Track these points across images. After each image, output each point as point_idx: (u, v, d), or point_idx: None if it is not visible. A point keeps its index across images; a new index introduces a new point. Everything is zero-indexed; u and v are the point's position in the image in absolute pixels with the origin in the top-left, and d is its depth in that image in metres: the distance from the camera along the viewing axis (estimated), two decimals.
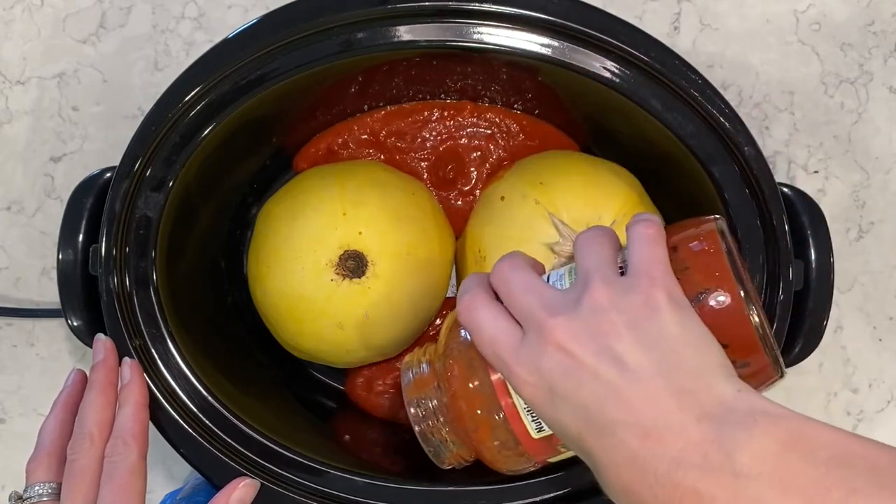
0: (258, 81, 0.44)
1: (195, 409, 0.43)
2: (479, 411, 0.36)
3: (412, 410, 0.38)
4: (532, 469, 0.38)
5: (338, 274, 0.46)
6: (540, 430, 0.36)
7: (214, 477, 0.42)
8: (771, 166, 0.44)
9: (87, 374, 0.43)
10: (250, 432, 0.43)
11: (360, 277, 0.46)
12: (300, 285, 0.46)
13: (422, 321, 0.50)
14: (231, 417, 0.43)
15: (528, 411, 0.35)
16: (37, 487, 0.40)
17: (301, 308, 0.47)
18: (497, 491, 0.43)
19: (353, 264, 0.46)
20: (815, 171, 0.57)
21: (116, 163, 0.44)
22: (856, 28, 0.57)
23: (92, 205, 0.45)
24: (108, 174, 0.45)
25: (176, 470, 0.56)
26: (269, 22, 0.44)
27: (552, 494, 0.42)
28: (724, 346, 0.33)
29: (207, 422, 0.43)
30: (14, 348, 0.57)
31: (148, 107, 0.44)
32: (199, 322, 0.47)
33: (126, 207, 0.43)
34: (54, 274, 0.45)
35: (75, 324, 0.44)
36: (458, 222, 0.53)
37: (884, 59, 0.57)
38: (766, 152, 0.55)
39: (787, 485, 0.28)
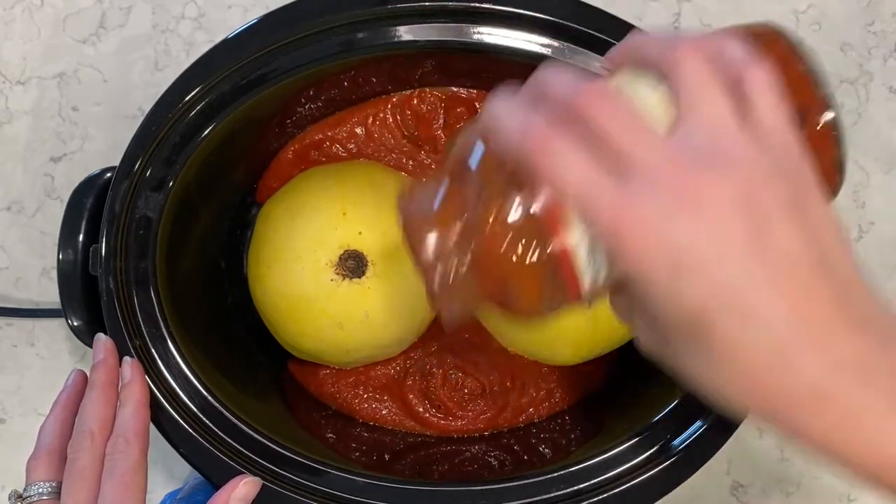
0: (258, 81, 0.44)
1: (195, 409, 0.43)
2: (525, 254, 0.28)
3: (428, 243, 0.30)
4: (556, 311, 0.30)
5: (338, 274, 0.46)
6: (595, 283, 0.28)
7: (214, 477, 0.42)
8: None
9: (88, 374, 0.43)
10: (250, 432, 0.43)
11: (360, 277, 0.46)
12: (300, 285, 0.46)
13: (421, 321, 0.50)
14: (231, 417, 0.43)
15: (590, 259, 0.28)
16: (37, 486, 0.40)
17: (301, 308, 0.47)
18: (497, 491, 0.43)
19: (353, 264, 0.46)
20: None
21: (116, 163, 0.44)
22: (856, 28, 0.57)
23: (92, 205, 0.45)
24: (108, 174, 0.45)
25: (176, 470, 0.56)
26: (269, 22, 0.44)
27: (552, 494, 0.42)
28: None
29: (207, 422, 0.43)
30: (14, 348, 0.57)
31: (148, 107, 0.44)
32: (199, 322, 0.47)
33: (126, 207, 0.43)
34: (54, 274, 0.45)
35: (75, 324, 0.44)
36: None
37: (884, 59, 0.57)
38: None
39: None
